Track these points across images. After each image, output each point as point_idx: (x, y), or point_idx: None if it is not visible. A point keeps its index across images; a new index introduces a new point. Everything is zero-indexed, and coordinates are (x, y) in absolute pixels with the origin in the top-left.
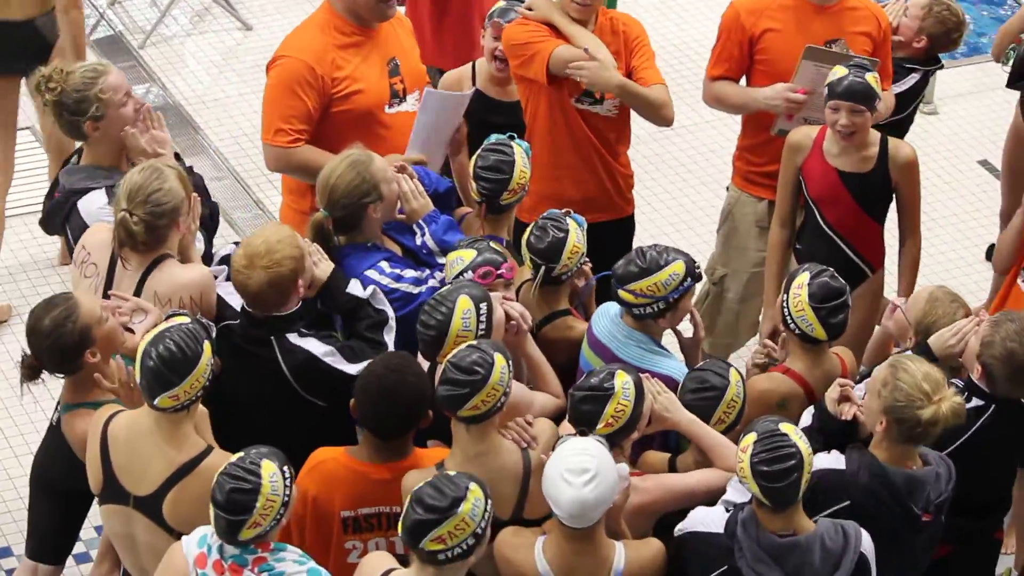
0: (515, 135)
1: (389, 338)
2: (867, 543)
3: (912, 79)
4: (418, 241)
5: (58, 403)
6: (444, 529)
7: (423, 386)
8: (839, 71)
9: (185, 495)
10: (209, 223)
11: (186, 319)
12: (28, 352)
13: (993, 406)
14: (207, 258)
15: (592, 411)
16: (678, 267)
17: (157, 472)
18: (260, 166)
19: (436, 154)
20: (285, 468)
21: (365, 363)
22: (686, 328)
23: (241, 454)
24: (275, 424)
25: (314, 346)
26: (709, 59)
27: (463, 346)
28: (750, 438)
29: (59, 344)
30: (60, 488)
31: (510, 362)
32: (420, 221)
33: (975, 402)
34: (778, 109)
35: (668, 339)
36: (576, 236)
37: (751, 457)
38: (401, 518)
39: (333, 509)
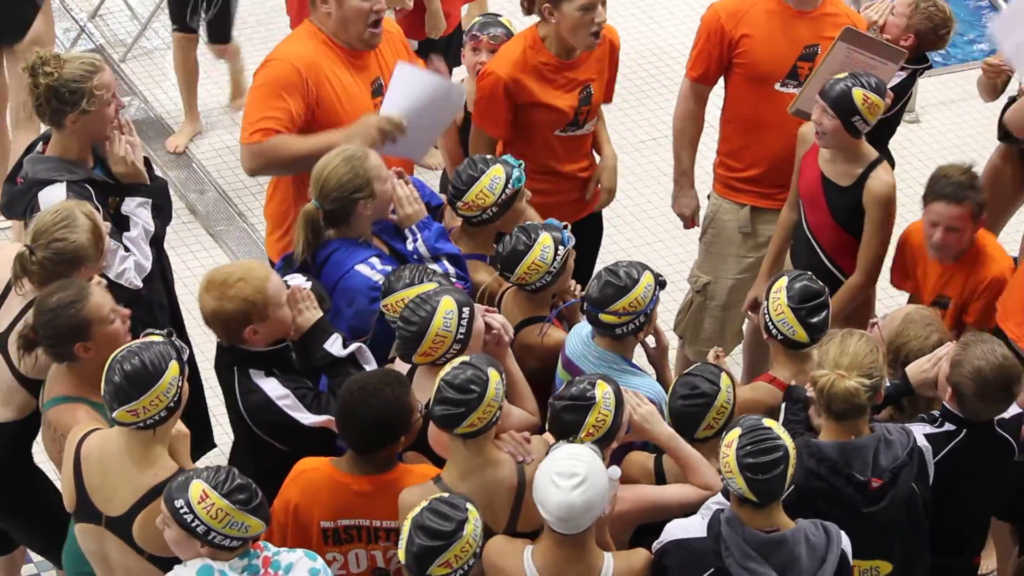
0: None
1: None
2: (846, 542)
3: (899, 77)
4: (410, 246)
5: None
6: (451, 554)
7: (400, 404)
8: (841, 74)
9: (154, 517)
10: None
11: (159, 339)
12: (30, 323)
13: (965, 431)
14: (158, 239)
15: (574, 420)
16: (648, 278)
17: (128, 493)
18: (242, 178)
19: (418, 144)
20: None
21: (321, 418)
22: (649, 338)
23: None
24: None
25: (272, 388)
26: (688, 58)
27: (456, 363)
28: (734, 433)
29: (55, 323)
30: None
31: (503, 375)
32: (413, 227)
33: (947, 427)
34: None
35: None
36: (541, 252)
37: (737, 451)
38: (403, 545)
39: (313, 518)
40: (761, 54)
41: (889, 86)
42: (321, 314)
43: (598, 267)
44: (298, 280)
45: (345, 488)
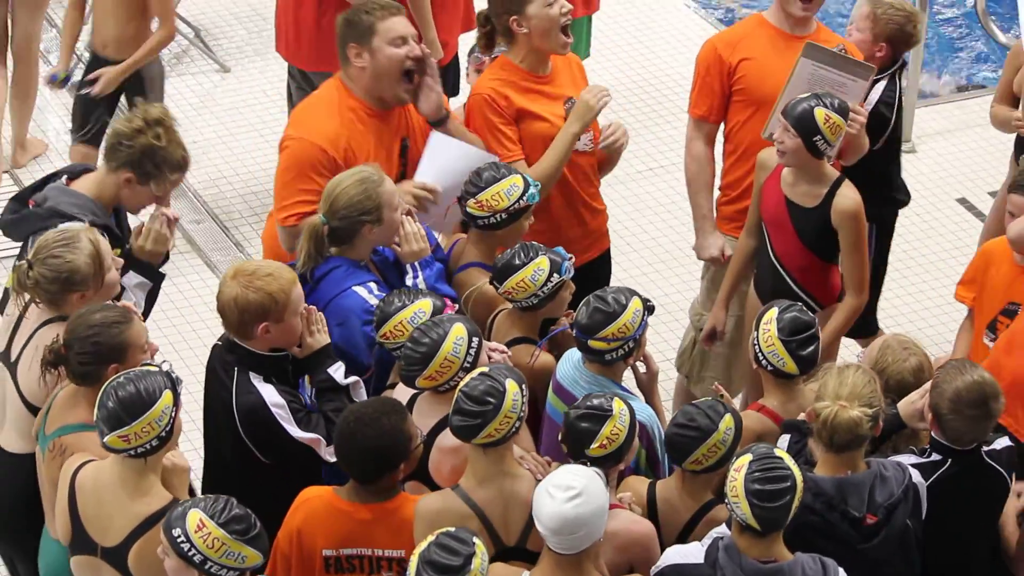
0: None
1: None
2: None
3: (879, 88)
4: (409, 282)
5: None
6: None
7: (398, 432)
8: (806, 94)
9: (150, 547)
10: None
11: (155, 368)
12: (60, 340)
13: (951, 460)
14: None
15: (589, 430)
16: (636, 303)
17: (122, 523)
18: (239, 208)
19: (447, 215)
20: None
21: (309, 435)
22: (639, 364)
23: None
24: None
25: (268, 394)
26: (690, 98)
27: (475, 374)
28: (745, 459)
29: (96, 339)
30: (13, 516)
31: (524, 387)
32: (415, 263)
33: (933, 457)
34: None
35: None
36: (533, 272)
37: (746, 476)
38: None
39: (316, 547)
40: (759, 77)
41: (876, 96)
42: (329, 340)
43: None
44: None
45: (347, 516)
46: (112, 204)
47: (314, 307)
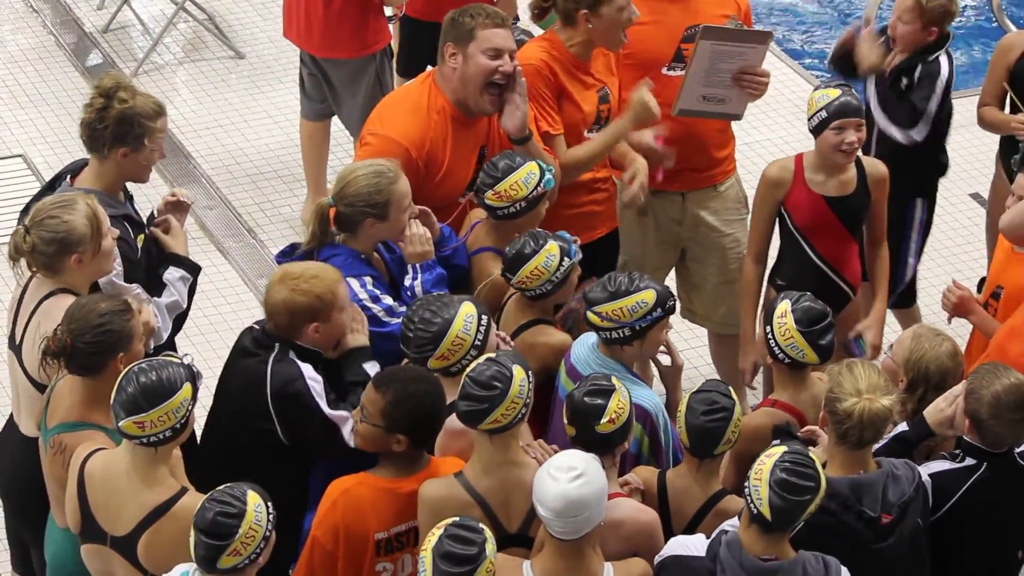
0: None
1: None
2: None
3: (945, 66)
4: (407, 282)
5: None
6: None
7: (442, 399)
8: (831, 92)
9: (159, 537)
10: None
11: (176, 359)
12: (62, 330)
13: (986, 464)
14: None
15: (597, 405)
16: (647, 295)
17: (132, 513)
18: (252, 194)
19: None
20: (269, 504)
21: (339, 412)
22: (664, 357)
23: (226, 485)
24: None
25: (307, 370)
26: None
27: (482, 360)
28: (780, 448)
29: (105, 328)
30: (30, 500)
31: (530, 373)
32: (416, 265)
33: (967, 461)
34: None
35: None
36: (545, 259)
37: (776, 463)
38: (426, 574)
39: (368, 533)
40: (642, 41)
41: (943, 80)
42: (367, 341)
43: None
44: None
45: (394, 494)
46: (118, 188)
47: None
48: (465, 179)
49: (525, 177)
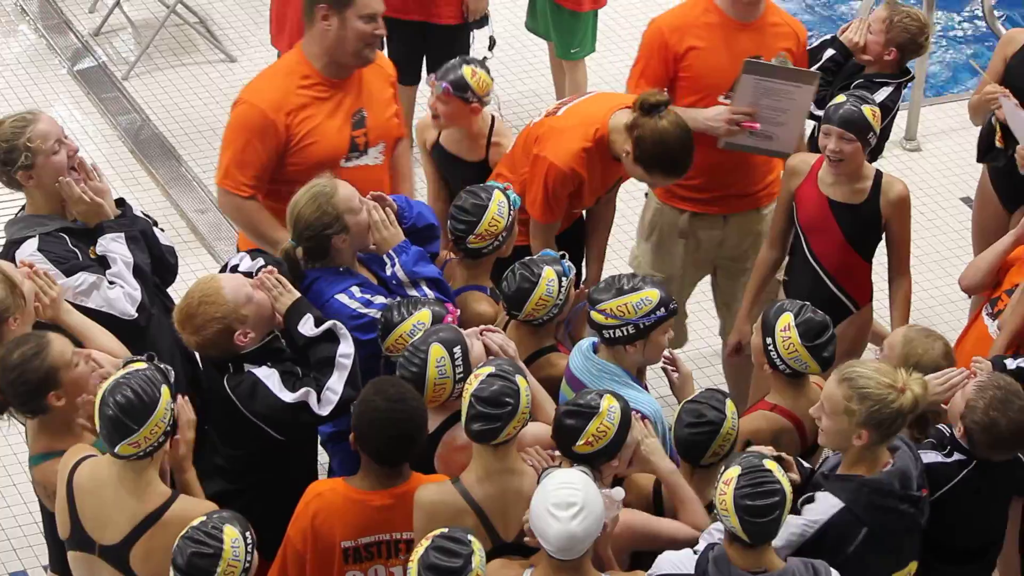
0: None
1: (339, 375)
2: None
3: (884, 92)
4: (388, 272)
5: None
6: None
7: (423, 410)
8: (839, 98)
9: (153, 545)
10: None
11: (143, 365)
12: None
13: (975, 462)
14: (143, 271)
15: (575, 427)
16: (651, 294)
17: (122, 522)
18: None
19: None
20: (247, 534)
21: (298, 392)
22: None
23: (203, 518)
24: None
25: (260, 371)
26: (630, 77)
27: (484, 375)
28: (734, 471)
29: (23, 379)
30: None
31: (528, 379)
32: (390, 252)
33: (956, 456)
34: (718, 131)
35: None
36: (546, 287)
37: (735, 491)
38: None
39: (334, 539)
40: (707, 66)
41: (878, 101)
42: (296, 295)
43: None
44: (246, 262)
45: (364, 505)
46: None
47: (266, 269)
48: (340, 145)
49: (498, 209)
